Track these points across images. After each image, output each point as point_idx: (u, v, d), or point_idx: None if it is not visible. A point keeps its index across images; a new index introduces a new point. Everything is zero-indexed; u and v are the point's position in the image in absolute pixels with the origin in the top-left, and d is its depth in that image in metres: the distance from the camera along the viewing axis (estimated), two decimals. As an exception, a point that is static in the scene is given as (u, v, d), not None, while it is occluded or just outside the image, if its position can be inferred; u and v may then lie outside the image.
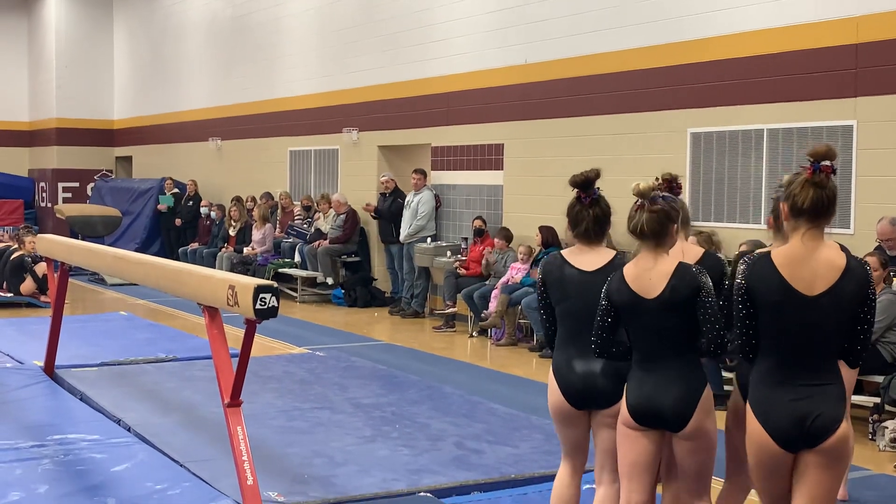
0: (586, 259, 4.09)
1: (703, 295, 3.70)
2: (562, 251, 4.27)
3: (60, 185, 21.71)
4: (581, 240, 4.13)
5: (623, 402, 3.86)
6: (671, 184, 4.33)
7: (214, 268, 14.88)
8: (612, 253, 4.13)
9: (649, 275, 3.77)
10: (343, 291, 13.56)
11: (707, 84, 9.16)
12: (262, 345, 9.52)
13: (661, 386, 3.75)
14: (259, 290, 4.64)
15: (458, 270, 11.56)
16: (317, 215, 14.42)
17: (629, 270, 3.82)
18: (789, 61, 8.46)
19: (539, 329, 4.38)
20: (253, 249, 15.02)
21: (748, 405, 3.50)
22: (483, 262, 11.14)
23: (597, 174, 4.11)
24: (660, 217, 3.76)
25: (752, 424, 3.46)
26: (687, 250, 4.22)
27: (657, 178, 4.29)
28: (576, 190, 4.12)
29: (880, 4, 7.77)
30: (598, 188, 4.12)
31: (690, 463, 3.84)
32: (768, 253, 3.46)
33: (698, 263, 4.01)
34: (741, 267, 3.47)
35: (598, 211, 4.08)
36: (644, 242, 3.79)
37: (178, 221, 17.52)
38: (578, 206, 4.10)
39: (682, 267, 3.78)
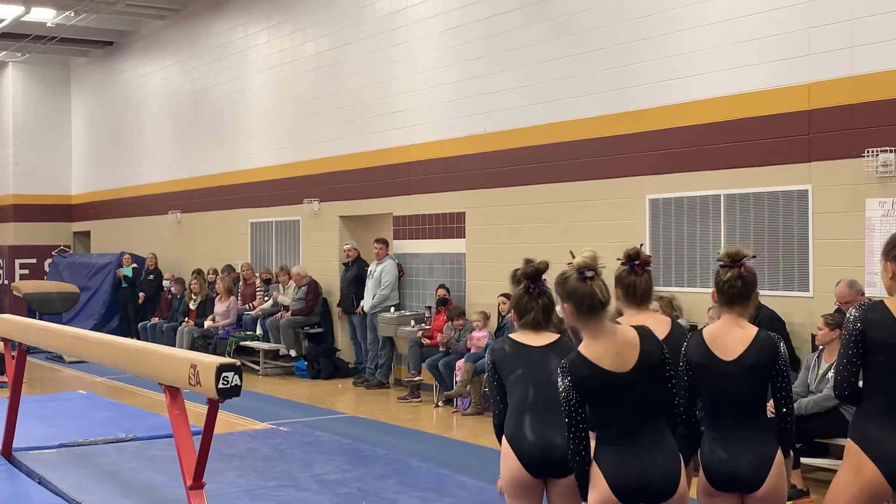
0: (533, 339, 4.21)
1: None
2: (510, 335, 4.34)
3: (17, 261, 21.47)
4: (528, 328, 4.25)
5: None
6: (632, 260, 4.28)
7: (175, 342, 14.73)
8: (557, 335, 4.23)
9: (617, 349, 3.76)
10: (306, 363, 13.44)
11: (664, 151, 9.30)
12: (225, 420, 9.36)
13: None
14: (221, 369, 4.60)
15: (422, 340, 11.52)
16: (276, 288, 14.34)
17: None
18: (744, 128, 8.62)
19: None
20: (215, 322, 14.88)
21: (852, 444, 3.80)
22: (439, 341, 11.12)
23: (546, 266, 4.23)
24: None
25: (863, 463, 3.72)
26: (656, 320, 4.25)
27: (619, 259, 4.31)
28: (525, 281, 4.21)
29: (829, 72, 7.97)
30: (545, 280, 4.24)
31: None
32: (881, 301, 3.88)
33: (668, 336, 4.06)
34: (856, 313, 3.87)
35: (545, 301, 4.22)
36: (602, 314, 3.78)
37: (141, 296, 17.33)
38: (527, 297, 4.23)
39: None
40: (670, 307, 8.55)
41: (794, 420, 3.97)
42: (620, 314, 4.20)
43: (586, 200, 10.06)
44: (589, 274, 3.69)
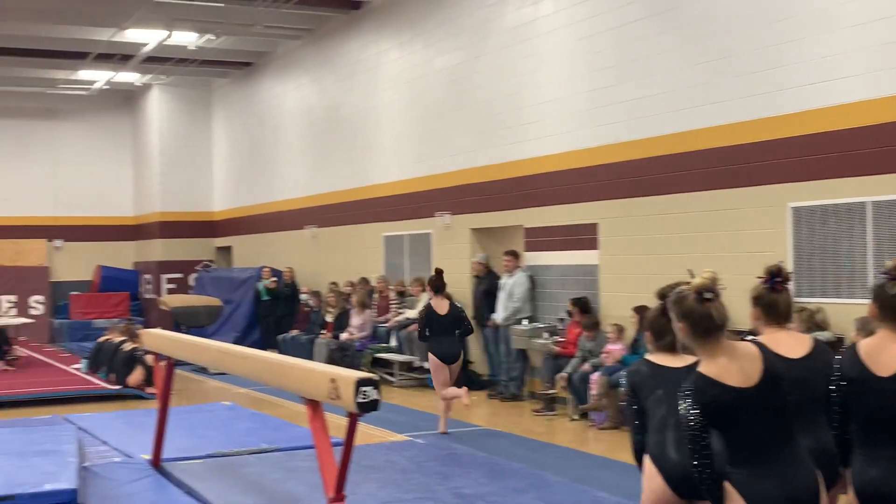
0: (671, 361, 4.19)
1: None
2: (646, 357, 4.31)
3: (164, 276, 22.36)
4: (665, 351, 4.22)
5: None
6: (774, 277, 4.20)
7: (312, 354, 15.05)
8: (695, 358, 4.08)
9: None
10: (440, 375, 13.50)
11: (806, 157, 8.99)
12: (363, 432, 9.41)
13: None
14: (360, 383, 4.68)
15: (555, 352, 11.44)
16: (411, 303, 14.48)
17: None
18: (891, 132, 8.26)
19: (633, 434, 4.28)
20: (351, 335, 15.15)
21: None
22: (580, 352, 11.00)
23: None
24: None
25: None
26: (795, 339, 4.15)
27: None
28: (661, 302, 4.14)
29: (984, 70, 7.57)
30: None
31: None
32: None
33: (811, 352, 3.95)
34: None
35: None
36: None
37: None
38: (663, 319, 4.12)
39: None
40: (810, 321, 8.26)
41: None
42: (754, 334, 4.11)
43: (724, 210, 9.82)
44: (708, 296, 3.60)
